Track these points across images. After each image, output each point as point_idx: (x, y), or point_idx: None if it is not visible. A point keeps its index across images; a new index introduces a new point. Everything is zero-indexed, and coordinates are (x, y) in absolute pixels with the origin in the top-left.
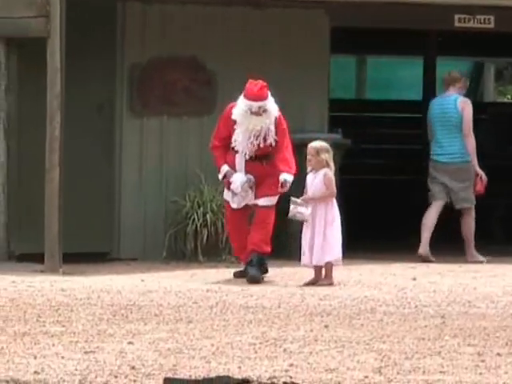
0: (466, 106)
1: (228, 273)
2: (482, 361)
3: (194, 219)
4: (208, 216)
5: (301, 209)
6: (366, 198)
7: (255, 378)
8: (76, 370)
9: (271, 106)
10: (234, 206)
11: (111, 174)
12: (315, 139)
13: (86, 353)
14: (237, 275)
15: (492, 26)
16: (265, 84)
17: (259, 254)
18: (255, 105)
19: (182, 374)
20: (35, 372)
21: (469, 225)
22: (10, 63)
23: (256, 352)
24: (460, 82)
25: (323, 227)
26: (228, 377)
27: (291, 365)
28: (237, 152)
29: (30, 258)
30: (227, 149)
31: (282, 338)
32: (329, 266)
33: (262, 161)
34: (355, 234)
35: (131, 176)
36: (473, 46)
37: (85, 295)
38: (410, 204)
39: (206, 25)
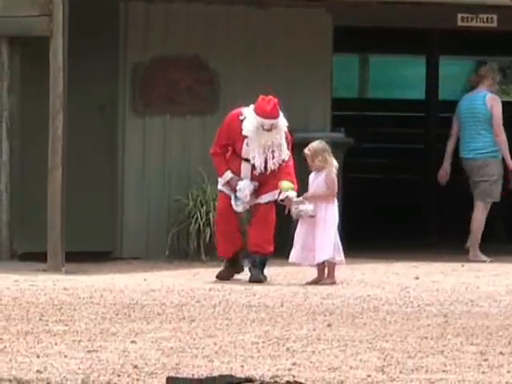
0: (495, 103)
1: None
2: (485, 360)
3: (196, 218)
4: (211, 215)
5: (302, 206)
6: (368, 196)
7: (258, 377)
8: (79, 368)
9: (282, 122)
10: (237, 209)
11: (114, 174)
12: (318, 138)
13: (88, 352)
14: (221, 277)
15: (495, 25)
16: (276, 101)
17: (262, 255)
18: (268, 122)
19: (185, 373)
20: (38, 371)
21: (479, 222)
22: (12, 63)
23: (259, 351)
24: (489, 79)
25: (323, 226)
26: (231, 376)
27: (294, 364)
28: (243, 159)
29: (33, 256)
30: (226, 153)
31: (285, 336)
32: (331, 265)
33: (266, 171)
34: (357, 233)
35: (134, 175)
36: (476, 45)
37: (87, 294)
38: (412, 203)
39: (209, 24)
